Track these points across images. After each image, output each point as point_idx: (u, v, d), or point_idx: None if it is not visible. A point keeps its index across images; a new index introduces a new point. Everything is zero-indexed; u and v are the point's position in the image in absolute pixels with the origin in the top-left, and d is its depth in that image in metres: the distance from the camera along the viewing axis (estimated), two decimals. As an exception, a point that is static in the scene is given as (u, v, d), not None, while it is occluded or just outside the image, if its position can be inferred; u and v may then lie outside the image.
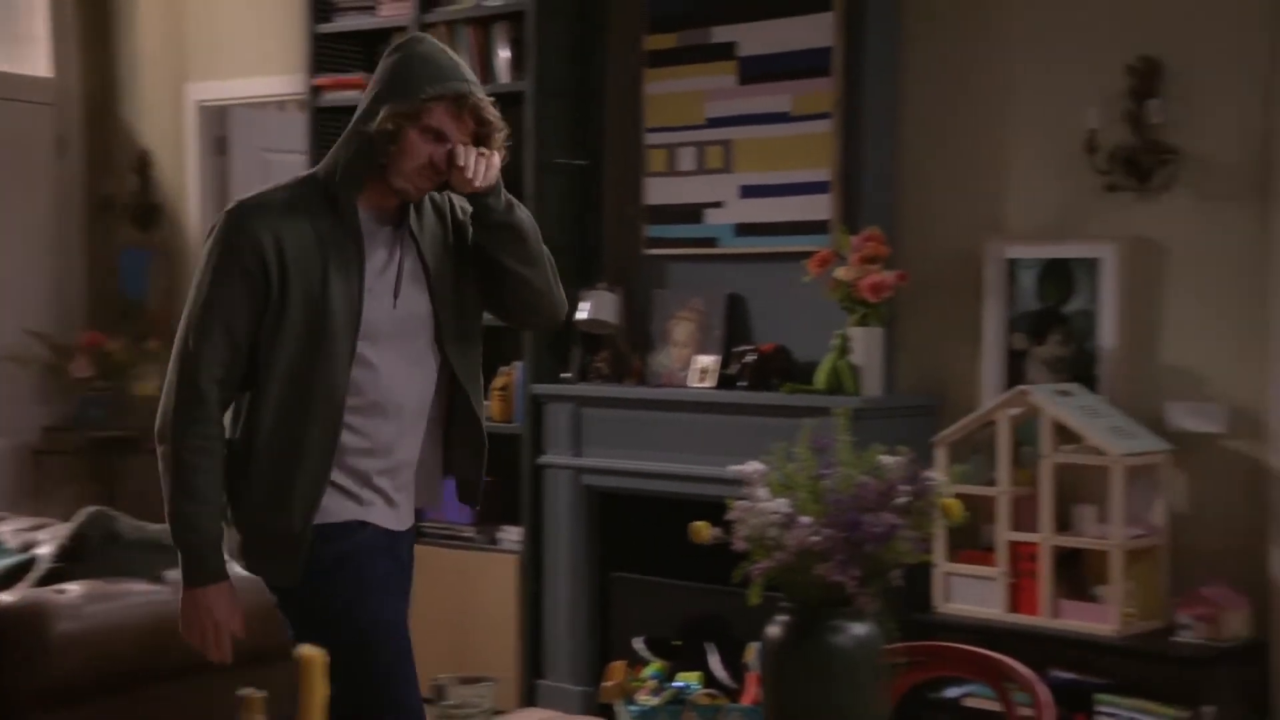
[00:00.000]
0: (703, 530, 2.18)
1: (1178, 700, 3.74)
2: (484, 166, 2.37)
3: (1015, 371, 4.35)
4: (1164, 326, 4.13)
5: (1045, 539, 4.00)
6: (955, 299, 4.47)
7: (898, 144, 4.53)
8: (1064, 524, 4.05)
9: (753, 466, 2.17)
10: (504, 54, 4.96)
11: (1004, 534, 4.07)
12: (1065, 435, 4.01)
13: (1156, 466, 4.00)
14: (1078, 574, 4.06)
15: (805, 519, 2.11)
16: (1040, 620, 3.98)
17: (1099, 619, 3.91)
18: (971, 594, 4.12)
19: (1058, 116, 4.25)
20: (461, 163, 2.36)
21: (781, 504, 2.12)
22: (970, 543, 4.20)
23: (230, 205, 2.44)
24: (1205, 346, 4.06)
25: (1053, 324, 4.32)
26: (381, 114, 2.35)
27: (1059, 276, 4.30)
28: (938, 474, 2.17)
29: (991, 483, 4.11)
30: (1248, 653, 3.85)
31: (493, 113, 2.40)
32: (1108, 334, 4.21)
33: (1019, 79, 4.35)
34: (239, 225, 2.38)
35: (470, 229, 2.49)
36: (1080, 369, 4.25)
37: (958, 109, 4.47)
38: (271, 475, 2.38)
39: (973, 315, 4.42)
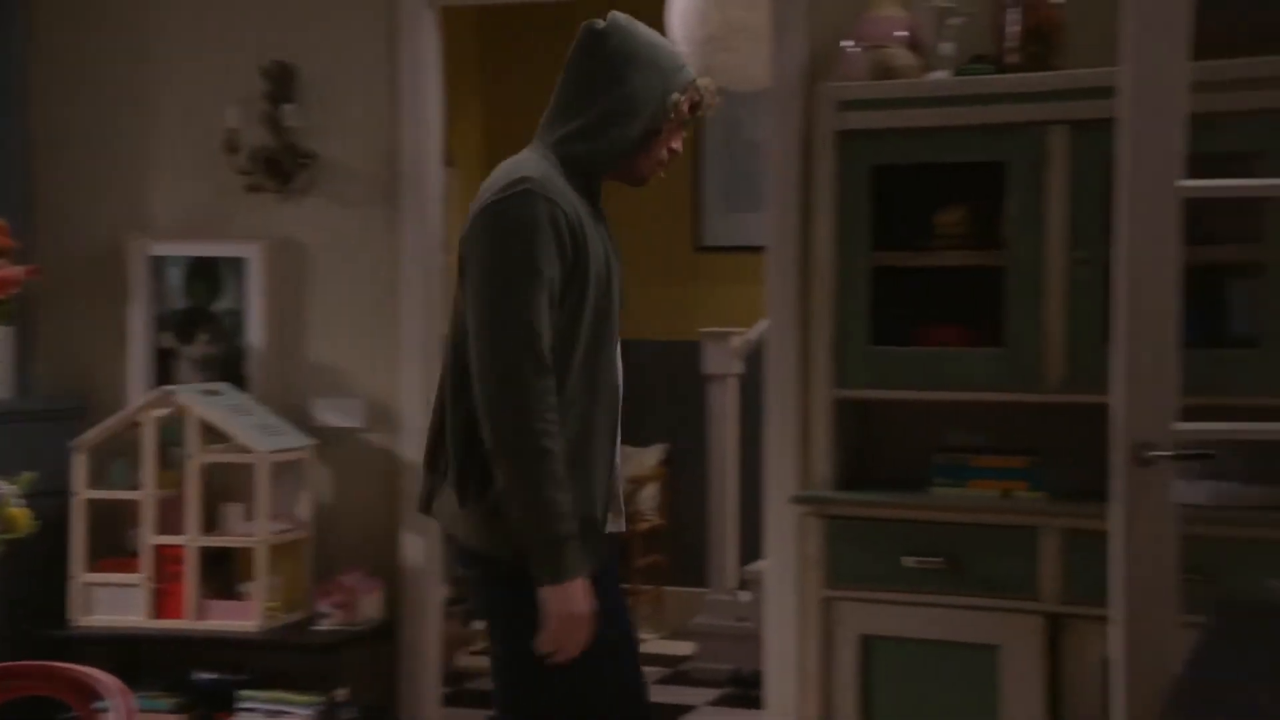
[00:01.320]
0: None
1: (316, 687, 3.88)
2: None
3: (165, 371, 4.27)
4: (309, 325, 4.26)
5: (192, 540, 3.96)
6: (100, 297, 4.29)
7: (28, 136, 4.27)
8: (214, 524, 4.04)
9: None
10: None
11: (149, 538, 3.97)
12: (214, 435, 4.00)
13: (302, 462, 4.12)
14: (228, 573, 4.07)
15: None
16: (186, 623, 3.94)
17: (244, 616, 3.94)
18: (114, 603, 3.97)
19: (198, 114, 4.23)
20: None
21: None
22: (115, 550, 4.05)
23: (521, 183, 2.26)
24: (346, 345, 4.24)
25: (201, 323, 4.30)
26: (661, 103, 2.34)
27: (207, 275, 4.28)
28: (6, 484, 2.02)
29: (137, 486, 3.99)
30: (379, 634, 4.09)
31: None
32: (256, 333, 4.26)
33: (158, 73, 4.28)
34: (550, 201, 2.26)
35: None
36: (230, 368, 4.26)
37: (94, 101, 4.30)
38: (576, 461, 2.28)
39: (119, 314, 4.28)
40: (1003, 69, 3.22)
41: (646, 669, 5.55)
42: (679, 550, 5.91)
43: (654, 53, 2.37)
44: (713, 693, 4.93)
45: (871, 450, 3.51)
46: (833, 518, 3.29)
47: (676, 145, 2.42)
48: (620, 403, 2.40)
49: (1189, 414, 2.55)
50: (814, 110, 3.42)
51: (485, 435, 2.21)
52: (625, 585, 5.76)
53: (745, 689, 4.74)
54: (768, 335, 3.88)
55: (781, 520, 3.68)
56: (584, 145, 2.34)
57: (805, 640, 3.42)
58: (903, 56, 3.30)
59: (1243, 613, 2.12)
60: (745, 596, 5.06)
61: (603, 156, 2.35)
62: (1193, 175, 2.54)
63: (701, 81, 2.41)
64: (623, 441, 6.79)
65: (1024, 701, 3.10)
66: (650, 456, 5.99)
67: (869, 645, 3.25)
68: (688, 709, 4.75)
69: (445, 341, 2.42)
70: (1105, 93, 2.69)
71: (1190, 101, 2.52)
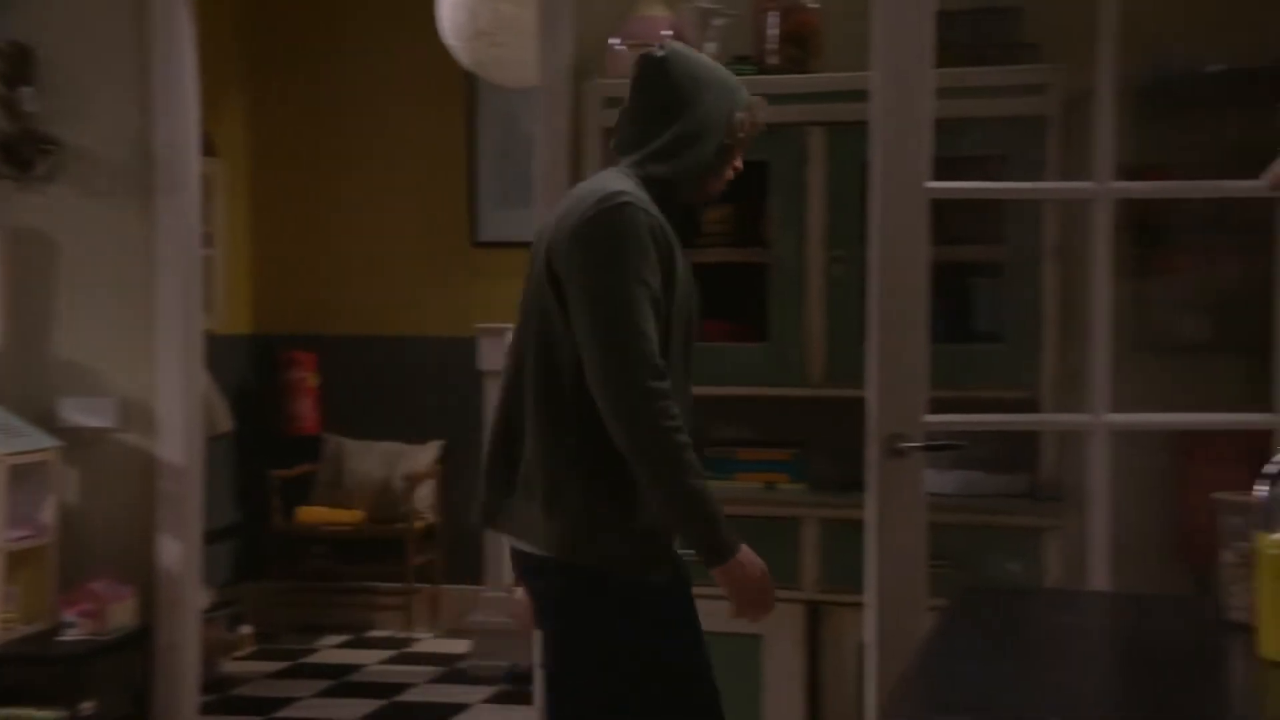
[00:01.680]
0: None
1: (60, 700, 3.69)
2: None
3: (-108, 370, 3.98)
4: (54, 321, 4.04)
5: (-79, 550, 3.71)
6: None
7: None
8: (-53, 532, 3.79)
9: None
10: None
11: None
12: (-52, 437, 3.75)
13: (46, 464, 3.90)
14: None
15: None
16: (-85, 639, 3.68)
17: (-20, 629, 3.72)
18: None
19: (-72, 94, 3.96)
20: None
21: None
22: None
23: (620, 195, 2.29)
24: (97, 341, 4.04)
25: (-68, 318, 4.02)
26: (729, 120, 2.40)
27: (-62, 267, 4.01)
28: None
29: None
30: (131, 642, 3.91)
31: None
32: (-5, 329, 4.01)
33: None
34: (648, 214, 2.29)
35: None
36: (-34, 366, 4.00)
37: None
38: None
39: None
40: (764, 70, 3.29)
41: (420, 668, 5.50)
42: (454, 548, 5.85)
43: (716, 74, 2.45)
44: (488, 690, 4.90)
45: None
46: (601, 513, 3.28)
47: (738, 163, 2.49)
48: (693, 425, 2.45)
49: (940, 407, 2.65)
50: (582, 107, 3.42)
51: (617, 439, 2.25)
52: (400, 585, 5.73)
53: (520, 685, 4.72)
54: (538, 331, 3.86)
55: (552, 516, 3.67)
56: (665, 167, 2.40)
57: (575, 636, 3.41)
58: (668, 55, 3.33)
59: (984, 596, 2.22)
60: (520, 593, 5.03)
61: (684, 177, 2.41)
62: (940, 178, 2.64)
63: (754, 98, 2.48)
64: (396, 439, 6.60)
65: (785, 688, 3.17)
66: (426, 454, 5.91)
67: (637, 639, 3.26)
68: (463, 707, 4.70)
69: (513, 350, 2.40)
70: (859, 96, 2.77)
71: (935, 107, 2.62)
